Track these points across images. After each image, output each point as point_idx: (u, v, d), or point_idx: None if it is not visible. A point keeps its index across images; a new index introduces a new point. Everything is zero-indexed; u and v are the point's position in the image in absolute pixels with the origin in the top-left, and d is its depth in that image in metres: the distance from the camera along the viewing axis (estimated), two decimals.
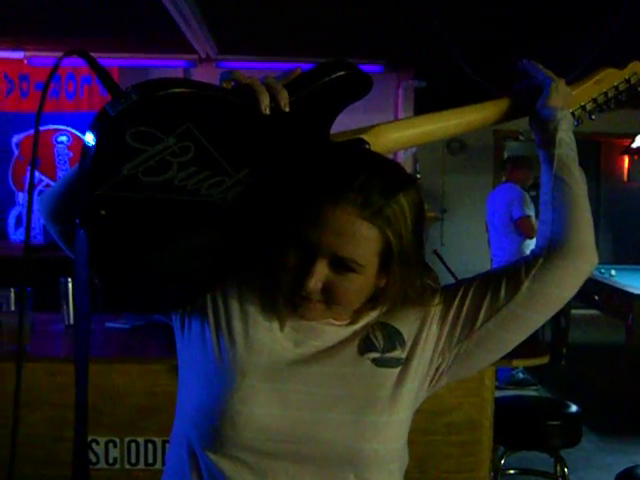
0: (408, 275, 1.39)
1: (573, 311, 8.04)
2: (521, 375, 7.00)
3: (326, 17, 5.81)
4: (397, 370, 1.41)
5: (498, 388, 5.55)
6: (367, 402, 1.37)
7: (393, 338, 1.44)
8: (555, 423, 3.81)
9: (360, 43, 6.61)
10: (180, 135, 1.17)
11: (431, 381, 1.47)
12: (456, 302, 1.47)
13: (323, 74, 1.31)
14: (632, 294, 6.29)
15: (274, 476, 1.35)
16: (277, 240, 1.34)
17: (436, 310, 1.47)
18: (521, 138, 8.81)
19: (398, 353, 1.43)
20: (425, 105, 6.93)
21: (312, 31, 6.25)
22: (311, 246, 1.30)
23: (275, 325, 1.42)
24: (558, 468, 3.96)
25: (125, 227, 1.26)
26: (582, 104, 1.77)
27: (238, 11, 5.71)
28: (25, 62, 7.31)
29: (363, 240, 1.30)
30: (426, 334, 1.46)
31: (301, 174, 1.33)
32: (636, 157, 10.79)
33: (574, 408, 3.94)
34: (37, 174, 7.25)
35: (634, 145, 9.75)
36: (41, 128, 7.20)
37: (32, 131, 7.33)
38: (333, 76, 1.30)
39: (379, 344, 1.43)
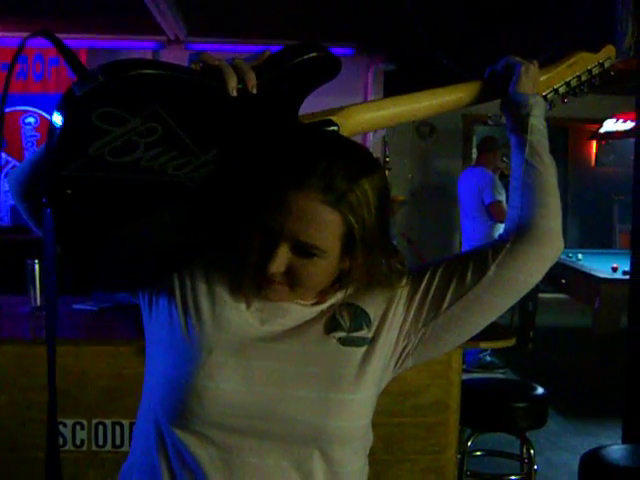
0: (372, 258, 1.39)
1: (540, 295, 8.10)
2: (488, 358, 7.05)
3: None
4: (363, 349, 1.42)
5: (466, 371, 5.61)
6: (332, 380, 1.38)
7: (359, 318, 1.45)
8: (521, 405, 3.83)
9: (331, 25, 6.59)
10: (147, 116, 1.17)
11: (397, 362, 1.48)
12: (423, 284, 1.48)
13: (292, 56, 1.30)
14: (599, 278, 6.36)
15: (239, 452, 1.37)
16: (243, 222, 1.35)
17: (403, 292, 1.48)
18: (490, 122, 8.81)
19: (364, 333, 1.44)
20: (395, 88, 6.94)
21: (282, 13, 6.23)
22: (273, 230, 1.31)
23: (242, 304, 1.43)
24: (524, 450, 3.98)
25: (92, 206, 1.26)
26: (555, 87, 1.76)
27: None
28: None
29: (325, 225, 1.30)
30: (392, 315, 1.47)
31: (266, 158, 1.33)
32: (604, 142, 10.85)
33: (540, 390, 3.97)
34: (4, 155, 7.19)
35: (602, 130, 9.81)
36: (8, 109, 7.12)
37: None
38: (303, 58, 1.30)
39: (345, 324, 1.44)
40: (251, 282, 1.39)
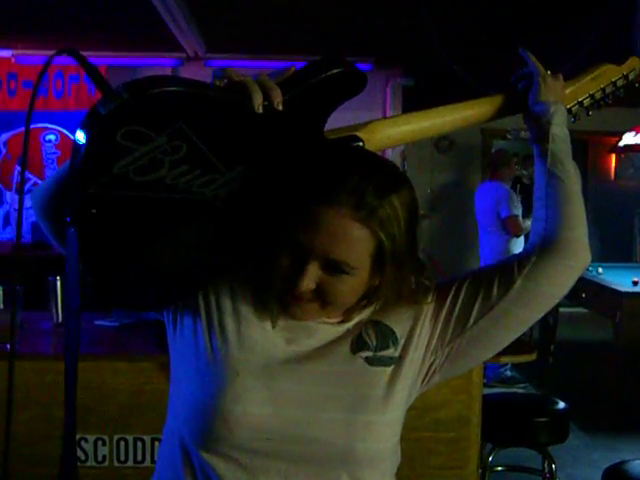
0: (401, 274, 1.38)
1: (561, 309, 7.98)
2: (509, 373, 7.02)
3: (315, 15, 5.80)
4: (390, 369, 1.40)
5: (486, 385, 5.58)
6: (360, 401, 1.36)
7: (386, 337, 1.43)
8: (543, 420, 3.81)
9: (349, 41, 6.61)
10: (171, 134, 1.17)
11: (424, 379, 1.46)
12: (449, 300, 1.46)
13: (318, 72, 1.29)
14: (620, 292, 6.32)
15: (267, 475, 1.35)
16: (269, 239, 1.33)
17: (429, 308, 1.46)
18: (508, 137, 8.82)
19: (391, 352, 1.42)
20: (414, 103, 6.94)
21: (301, 29, 6.25)
22: (303, 248, 1.29)
23: (267, 324, 1.40)
24: (546, 465, 3.96)
25: (116, 225, 1.25)
26: (579, 100, 1.75)
27: (226, 9, 5.70)
28: (13, 60, 7.29)
29: (355, 242, 1.28)
30: (419, 332, 1.44)
31: (294, 174, 1.32)
32: (623, 155, 10.80)
33: (562, 405, 3.95)
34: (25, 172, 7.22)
35: (621, 143, 9.75)
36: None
37: (20, 129, 7.32)
38: (329, 73, 1.29)
39: (372, 343, 1.42)
40: (277, 301, 1.37)
